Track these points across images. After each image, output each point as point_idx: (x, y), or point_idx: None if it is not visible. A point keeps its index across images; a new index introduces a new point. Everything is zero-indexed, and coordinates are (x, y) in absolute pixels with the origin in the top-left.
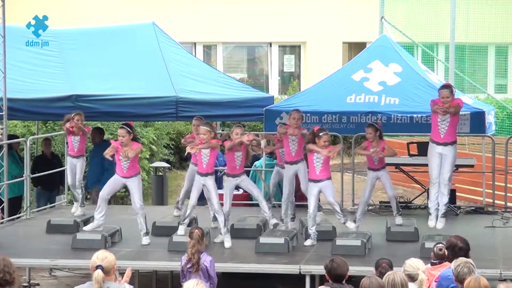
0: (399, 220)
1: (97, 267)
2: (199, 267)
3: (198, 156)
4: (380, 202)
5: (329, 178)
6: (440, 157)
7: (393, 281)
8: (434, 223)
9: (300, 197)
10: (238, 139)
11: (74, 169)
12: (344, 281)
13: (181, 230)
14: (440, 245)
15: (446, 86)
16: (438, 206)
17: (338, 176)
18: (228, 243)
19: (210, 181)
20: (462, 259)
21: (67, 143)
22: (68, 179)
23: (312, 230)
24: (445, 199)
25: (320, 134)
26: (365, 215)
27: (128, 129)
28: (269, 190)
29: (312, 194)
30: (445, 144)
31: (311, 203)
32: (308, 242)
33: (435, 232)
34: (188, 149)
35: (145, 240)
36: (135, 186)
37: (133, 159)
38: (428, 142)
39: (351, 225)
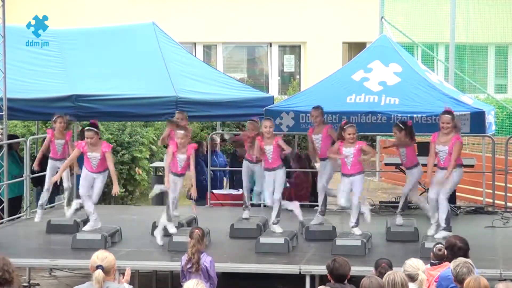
0: (399, 220)
1: (97, 267)
2: (199, 267)
3: (174, 160)
4: (380, 202)
5: (361, 172)
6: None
7: (393, 281)
8: (432, 232)
9: (300, 196)
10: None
11: (55, 172)
12: (346, 281)
13: (172, 229)
14: (439, 245)
15: (448, 112)
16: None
17: (338, 176)
18: (172, 229)
19: (180, 182)
20: (461, 259)
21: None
22: (46, 183)
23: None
24: (442, 215)
25: (345, 127)
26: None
27: (95, 129)
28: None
29: (342, 189)
30: (445, 169)
31: (341, 197)
32: (357, 231)
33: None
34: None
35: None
36: (100, 182)
37: (102, 157)
38: (428, 142)
39: (358, 231)
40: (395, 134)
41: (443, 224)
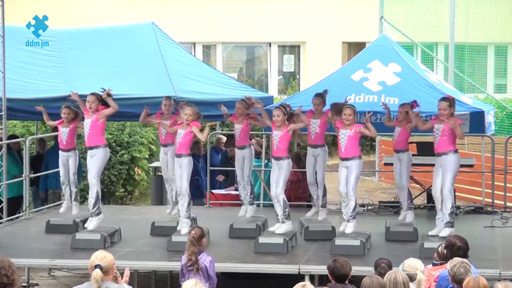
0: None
1: (96, 266)
2: (198, 267)
3: (175, 134)
4: (379, 202)
5: (357, 158)
6: (440, 167)
7: (395, 280)
8: (435, 232)
9: (299, 198)
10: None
11: (66, 164)
12: (347, 281)
13: (185, 229)
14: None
15: (445, 99)
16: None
17: (337, 176)
18: (185, 229)
19: (185, 161)
20: (457, 259)
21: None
22: (61, 175)
23: (351, 216)
24: (447, 208)
25: (343, 107)
26: (364, 215)
27: (98, 96)
28: (268, 190)
29: (340, 176)
30: (439, 154)
31: (339, 184)
32: (349, 229)
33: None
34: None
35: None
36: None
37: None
38: (428, 142)
39: (350, 229)
40: (400, 113)
41: (446, 218)
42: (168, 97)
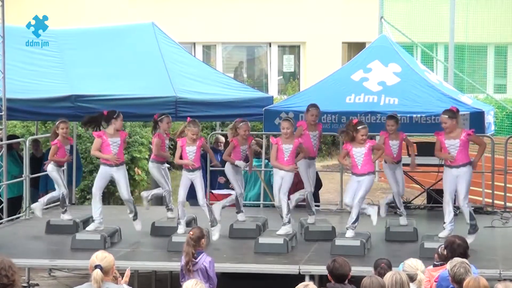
0: (403, 220)
1: (96, 266)
2: (190, 269)
3: (183, 153)
4: (379, 202)
5: (371, 173)
6: (455, 180)
7: (400, 280)
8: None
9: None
10: None
11: (62, 176)
12: (346, 281)
13: (181, 229)
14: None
15: (446, 111)
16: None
17: (337, 176)
18: (215, 236)
19: (199, 174)
20: (457, 260)
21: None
22: (60, 187)
23: (353, 226)
24: (467, 217)
25: (358, 127)
26: (364, 215)
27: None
28: (268, 190)
29: (349, 187)
30: (457, 167)
31: (347, 196)
32: (348, 234)
33: (434, 232)
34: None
35: (138, 225)
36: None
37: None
38: (428, 142)
39: (350, 234)
40: (392, 126)
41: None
42: (168, 115)
